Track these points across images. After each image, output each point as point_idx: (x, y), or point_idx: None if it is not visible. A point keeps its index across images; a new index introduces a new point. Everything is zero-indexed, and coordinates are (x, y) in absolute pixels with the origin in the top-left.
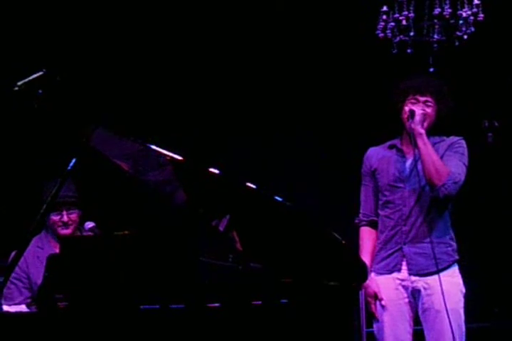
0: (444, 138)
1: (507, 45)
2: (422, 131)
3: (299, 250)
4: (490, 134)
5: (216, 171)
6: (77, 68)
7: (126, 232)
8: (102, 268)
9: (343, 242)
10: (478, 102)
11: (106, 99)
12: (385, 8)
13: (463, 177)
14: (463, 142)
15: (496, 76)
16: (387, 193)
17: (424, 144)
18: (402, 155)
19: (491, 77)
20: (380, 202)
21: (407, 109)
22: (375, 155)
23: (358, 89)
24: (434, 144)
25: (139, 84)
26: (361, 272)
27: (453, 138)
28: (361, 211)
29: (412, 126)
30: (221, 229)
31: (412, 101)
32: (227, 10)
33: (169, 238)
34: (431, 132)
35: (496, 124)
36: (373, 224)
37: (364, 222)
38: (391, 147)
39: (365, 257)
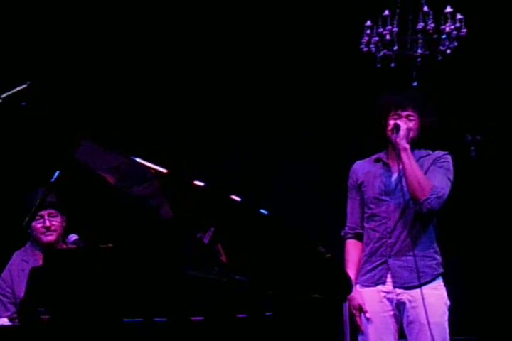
0: (430, 152)
1: (489, 60)
2: (407, 146)
3: (283, 262)
4: (473, 148)
5: (201, 184)
6: (77, 68)
7: (110, 245)
8: (85, 281)
9: (328, 255)
10: (460, 116)
11: (106, 100)
12: (368, 23)
13: (447, 192)
14: (448, 157)
15: (478, 90)
16: (372, 206)
17: (408, 159)
18: (388, 169)
19: (474, 91)
20: (366, 215)
21: (391, 122)
22: (361, 168)
23: (343, 102)
24: (419, 158)
25: (139, 85)
26: (345, 285)
27: (438, 153)
28: (347, 224)
29: (397, 140)
30: (206, 241)
31: (395, 116)
32: (227, 10)
33: (154, 251)
34: (416, 145)
35: (479, 138)
36: (359, 237)
37: (350, 235)
38: (377, 160)
39: (351, 269)
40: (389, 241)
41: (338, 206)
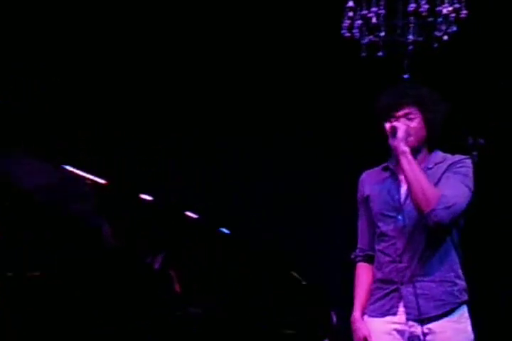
0: (448, 155)
1: (494, 47)
2: (406, 149)
3: (250, 291)
4: (475, 153)
5: (149, 198)
6: (76, 68)
7: (37, 274)
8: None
9: (303, 282)
10: (461, 115)
11: (106, 100)
12: (350, 4)
13: (460, 202)
14: (467, 161)
15: (481, 83)
16: (380, 224)
17: (409, 163)
18: (396, 178)
19: (476, 84)
20: (376, 235)
21: (388, 125)
22: (368, 179)
23: (323, 98)
24: (434, 165)
25: (138, 85)
26: (325, 319)
27: (455, 157)
28: (358, 245)
29: (395, 143)
30: (156, 267)
31: (392, 119)
32: (227, 10)
33: (92, 281)
34: (431, 147)
35: (482, 142)
36: (370, 260)
37: (360, 258)
38: (385, 169)
39: (359, 297)
40: (400, 265)
41: (339, 206)
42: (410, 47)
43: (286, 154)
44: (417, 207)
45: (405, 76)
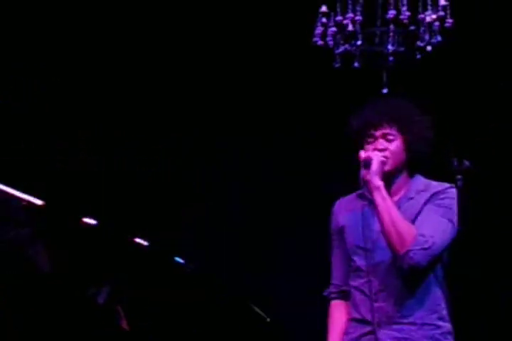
0: (430, 183)
1: (483, 59)
2: (380, 184)
3: (208, 329)
4: (459, 177)
5: (92, 221)
6: (76, 67)
7: None
8: None
9: (267, 319)
10: (445, 134)
11: (106, 100)
12: (324, 9)
13: (441, 240)
14: (451, 191)
15: (468, 99)
16: (355, 258)
17: (383, 200)
18: (373, 207)
19: (462, 100)
20: (351, 270)
21: (361, 155)
22: (343, 208)
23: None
24: (416, 194)
25: (138, 85)
26: None
27: (439, 186)
28: (331, 280)
29: (368, 177)
30: (100, 301)
31: (369, 139)
32: (226, 10)
33: (27, 317)
34: (411, 172)
35: (467, 164)
36: (345, 296)
37: (334, 295)
38: (361, 197)
39: (333, 339)
40: (376, 304)
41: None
42: (390, 59)
43: (286, 154)
44: (391, 247)
45: (384, 90)
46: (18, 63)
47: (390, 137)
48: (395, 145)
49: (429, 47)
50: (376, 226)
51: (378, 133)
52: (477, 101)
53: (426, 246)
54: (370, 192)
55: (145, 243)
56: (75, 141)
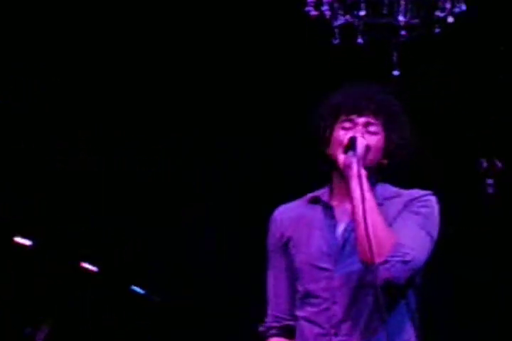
0: (401, 191)
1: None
2: (362, 172)
3: None
4: (490, 181)
5: (27, 242)
6: (76, 67)
7: None
8: None
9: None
10: (470, 126)
11: (105, 100)
12: None
13: (420, 255)
14: (431, 199)
15: (498, 83)
16: (305, 279)
17: (362, 190)
18: (331, 215)
19: (491, 85)
20: (298, 296)
21: (344, 134)
22: (287, 216)
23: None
24: (383, 200)
25: (138, 85)
26: None
27: (414, 193)
28: (269, 311)
29: (349, 161)
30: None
31: (346, 124)
32: (226, 10)
33: None
34: (380, 178)
35: (500, 165)
36: (289, 333)
37: (273, 331)
38: (313, 201)
39: None
40: (335, 339)
41: None
42: (402, 33)
43: (286, 154)
44: (363, 255)
45: (395, 72)
46: (18, 63)
47: (373, 129)
48: (376, 139)
49: (450, 19)
50: (336, 239)
51: (362, 119)
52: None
53: (407, 258)
54: (347, 180)
55: (94, 269)
56: (75, 141)
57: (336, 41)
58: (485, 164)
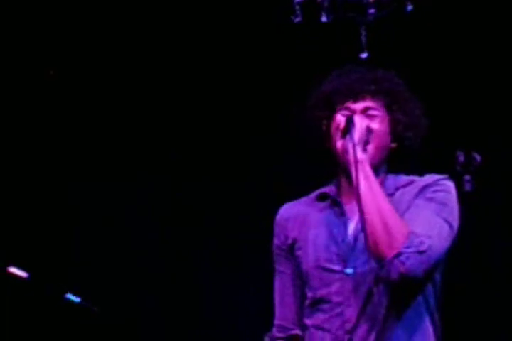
0: (415, 178)
1: (501, 12)
2: (363, 157)
3: None
4: (468, 177)
5: None
6: (76, 67)
7: None
8: None
9: None
10: (445, 117)
11: (106, 100)
12: None
13: (438, 244)
14: (447, 184)
15: (479, 69)
16: (315, 285)
17: (366, 178)
18: (341, 212)
19: (471, 70)
20: (307, 303)
21: (340, 117)
22: (293, 216)
23: None
24: (396, 189)
25: (138, 85)
26: None
27: (429, 178)
28: (275, 320)
29: (347, 146)
30: None
31: (343, 112)
32: (225, 11)
33: None
34: (389, 166)
35: (478, 160)
36: None
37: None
38: (321, 198)
39: None
40: None
41: None
42: (371, 11)
43: (288, 154)
44: (373, 249)
45: (363, 55)
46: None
47: (373, 112)
48: (379, 123)
49: None
50: (347, 237)
51: (358, 106)
52: (492, 72)
53: (422, 248)
54: (347, 169)
55: (23, 274)
56: (75, 141)
57: (297, 19)
58: (462, 158)
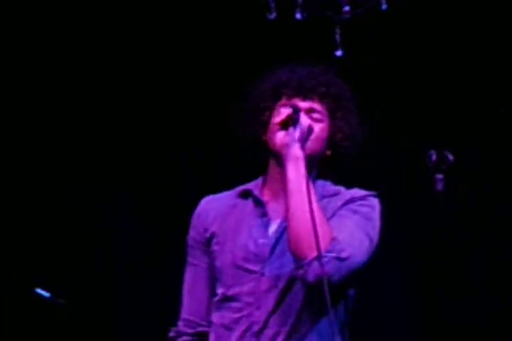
0: (342, 189)
1: (482, 10)
2: (300, 154)
3: None
4: (439, 176)
5: None
6: (76, 68)
7: None
8: None
9: None
10: (420, 117)
11: (106, 100)
12: None
13: (358, 254)
14: (372, 200)
15: (457, 66)
16: (228, 281)
17: (298, 176)
18: (263, 212)
19: (448, 68)
20: (216, 299)
21: (286, 110)
22: (215, 209)
23: None
24: (322, 198)
25: (138, 85)
26: None
27: (356, 192)
28: (182, 314)
29: (286, 140)
30: None
31: (288, 107)
32: (225, 11)
33: None
34: (320, 173)
35: (451, 158)
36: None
37: (185, 337)
38: (244, 195)
39: None
40: None
41: None
42: (345, 8)
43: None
44: (294, 247)
45: (337, 53)
46: (18, 63)
47: (317, 116)
48: (321, 128)
49: None
50: (267, 238)
51: (305, 104)
52: (466, 71)
53: (343, 255)
54: (282, 163)
55: None
56: (75, 141)
57: (272, 16)
58: (434, 157)
